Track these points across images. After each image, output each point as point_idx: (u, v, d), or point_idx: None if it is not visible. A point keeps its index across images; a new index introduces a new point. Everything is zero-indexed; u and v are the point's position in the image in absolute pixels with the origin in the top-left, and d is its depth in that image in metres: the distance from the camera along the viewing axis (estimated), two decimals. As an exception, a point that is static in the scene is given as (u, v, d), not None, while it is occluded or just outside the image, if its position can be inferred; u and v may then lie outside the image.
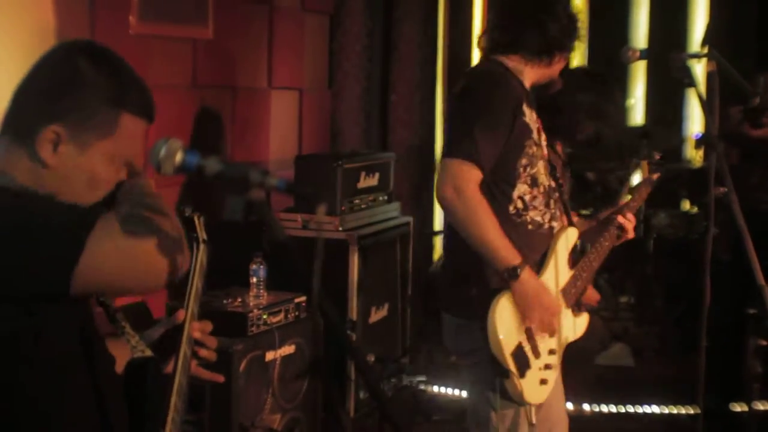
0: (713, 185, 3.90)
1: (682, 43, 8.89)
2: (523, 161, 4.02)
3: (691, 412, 6.80)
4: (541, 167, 4.11)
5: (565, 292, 4.19)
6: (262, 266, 5.19)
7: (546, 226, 4.14)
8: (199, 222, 2.63)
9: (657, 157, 4.76)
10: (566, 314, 4.19)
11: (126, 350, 2.64)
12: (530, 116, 4.08)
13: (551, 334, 4.03)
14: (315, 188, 5.89)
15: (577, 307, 4.26)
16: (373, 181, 6.47)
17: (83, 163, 2.38)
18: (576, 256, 4.33)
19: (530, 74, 4.18)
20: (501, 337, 3.84)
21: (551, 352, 4.06)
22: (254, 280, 5.19)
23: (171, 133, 2.18)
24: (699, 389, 4.09)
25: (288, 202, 6.00)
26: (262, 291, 5.20)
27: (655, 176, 4.77)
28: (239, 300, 5.13)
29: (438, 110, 8.37)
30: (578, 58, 9.31)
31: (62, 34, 4.74)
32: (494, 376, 3.90)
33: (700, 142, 4.19)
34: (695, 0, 9.16)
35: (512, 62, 4.14)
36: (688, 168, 5.83)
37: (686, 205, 8.10)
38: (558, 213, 4.22)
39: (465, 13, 8.64)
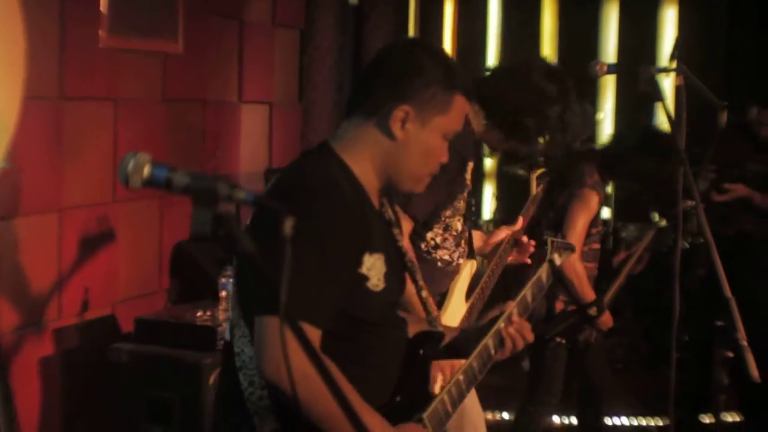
0: (681, 198, 3.92)
1: (652, 57, 8.92)
2: (448, 212, 4.16)
3: (661, 423, 6.84)
4: (456, 218, 4.23)
5: (461, 324, 4.30)
6: (231, 280, 5.18)
7: (454, 263, 4.27)
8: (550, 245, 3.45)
9: (540, 169, 4.79)
10: None
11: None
12: (470, 170, 4.20)
13: None
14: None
15: None
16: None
17: (423, 137, 2.82)
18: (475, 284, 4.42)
19: (480, 127, 4.21)
20: None
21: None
22: (224, 293, 5.19)
23: (141, 147, 2.19)
24: (670, 401, 4.11)
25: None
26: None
27: (540, 189, 4.81)
28: (208, 314, 5.14)
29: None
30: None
31: (32, 48, 4.72)
32: None
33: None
34: (665, 15, 9.21)
35: (472, 109, 4.16)
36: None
37: (656, 217, 8.13)
38: (467, 251, 4.35)
39: (435, 27, 8.68)
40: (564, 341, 5.49)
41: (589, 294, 5.36)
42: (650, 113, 8.49)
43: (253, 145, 6.84)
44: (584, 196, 5.35)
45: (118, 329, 5.52)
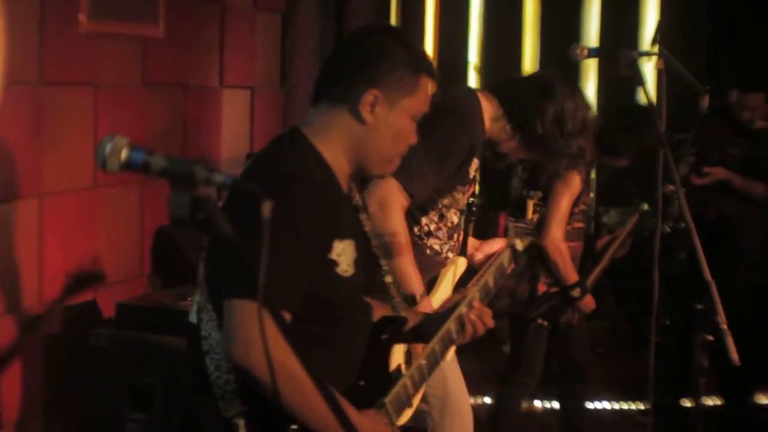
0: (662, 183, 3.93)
1: (634, 41, 8.92)
2: (446, 201, 4.19)
3: (642, 407, 6.86)
4: (453, 210, 4.23)
5: None
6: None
7: (443, 255, 4.27)
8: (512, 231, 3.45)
9: (537, 198, 4.80)
10: None
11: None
12: (474, 165, 4.21)
13: None
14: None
15: None
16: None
17: (392, 120, 2.88)
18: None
19: (495, 132, 4.22)
20: None
21: None
22: (205, 278, 5.17)
23: (122, 132, 2.17)
24: (649, 385, 4.12)
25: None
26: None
27: (536, 217, 4.81)
28: (189, 299, 5.12)
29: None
30: (530, 57, 9.36)
31: (11, 33, 4.70)
32: None
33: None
34: (647, -1, 9.21)
35: (494, 111, 4.17)
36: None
37: (638, 201, 8.14)
38: (457, 246, 4.32)
39: (417, 10, 8.66)
40: (545, 323, 5.50)
41: (572, 275, 5.37)
42: (632, 97, 8.51)
43: (234, 130, 6.82)
44: (567, 177, 5.36)
45: (100, 314, 5.51)
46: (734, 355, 3.35)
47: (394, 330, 3.03)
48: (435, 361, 3.12)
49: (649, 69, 4.55)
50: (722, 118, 6.27)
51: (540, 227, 5.06)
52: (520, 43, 9.32)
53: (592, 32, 9.17)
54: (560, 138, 4.25)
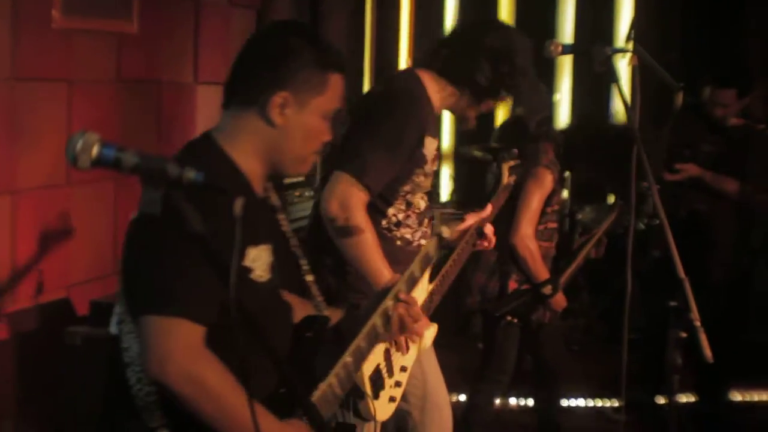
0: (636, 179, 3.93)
1: (609, 38, 8.94)
2: (407, 188, 4.13)
3: (616, 404, 6.88)
4: (419, 195, 4.18)
5: (422, 307, 4.22)
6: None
7: (415, 243, 4.24)
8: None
9: (514, 159, 4.79)
10: None
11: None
12: (429, 146, 4.13)
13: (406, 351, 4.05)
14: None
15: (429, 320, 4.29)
16: (299, 176, 6.45)
17: (303, 120, 2.83)
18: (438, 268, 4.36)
19: (446, 101, 4.19)
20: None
21: (403, 369, 4.08)
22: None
23: (96, 128, 2.16)
24: (621, 382, 4.13)
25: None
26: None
27: (512, 179, 4.81)
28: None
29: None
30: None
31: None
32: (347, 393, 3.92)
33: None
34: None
35: (436, 84, 4.15)
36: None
37: (612, 199, 8.16)
38: (429, 233, 4.28)
39: (392, 8, 8.66)
40: (515, 320, 5.51)
41: (542, 273, 5.38)
42: (607, 94, 8.54)
43: (208, 127, 6.75)
44: (538, 175, 5.37)
45: (73, 312, 5.49)
46: (707, 352, 3.36)
47: (317, 329, 3.00)
48: (361, 357, 3.09)
49: (623, 66, 4.55)
50: (695, 115, 6.28)
51: (514, 192, 5.05)
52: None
53: (566, 29, 9.18)
54: (507, 76, 4.20)
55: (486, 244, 4.54)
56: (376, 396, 3.93)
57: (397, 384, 4.07)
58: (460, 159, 8.85)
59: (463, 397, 6.29)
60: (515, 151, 4.79)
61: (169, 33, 6.37)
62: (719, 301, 6.08)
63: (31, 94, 5.16)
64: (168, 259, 2.56)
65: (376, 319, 3.14)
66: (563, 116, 9.01)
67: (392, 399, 4.07)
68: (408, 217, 4.16)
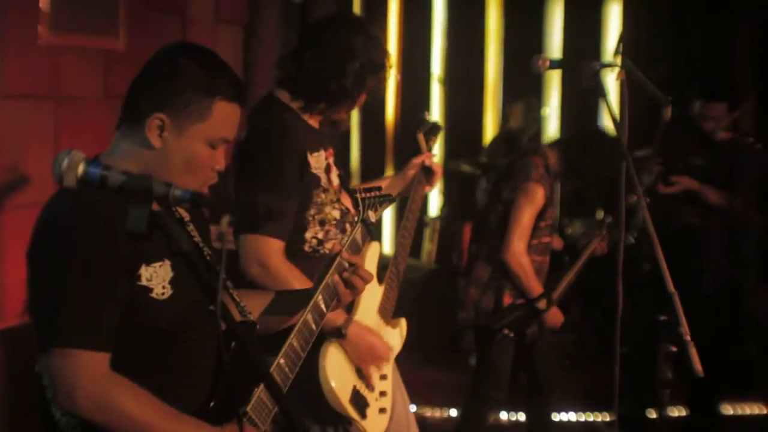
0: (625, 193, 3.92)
1: (597, 52, 8.97)
2: (312, 211, 3.95)
3: (608, 419, 6.87)
4: (327, 209, 4.02)
5: (381, 310, 4.19)
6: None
7: None
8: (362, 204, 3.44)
9: (425, 131, 4.71)
10: (387, 331, 4.19)
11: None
12: (317, 161, 3.99)
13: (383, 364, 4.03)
14: (222, 199, 5.85)
15: (392, 318, 4.25)
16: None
17: (182, 146, 2.71)
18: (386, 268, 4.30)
19: (311, 111, 4.06)
20: (333, 385, 3.78)
21: (383, 377, 4.06)
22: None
23: (83, 146, 2.15)
24: (614, 396, 4.11)
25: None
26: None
27: (433, 143, 4.73)
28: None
29: (353, 119, 8.36)
30: (493, 68, 9.37)
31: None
32: (335, 420, 3.89)
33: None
34: (609, 10, 9.25)
35: (296, 101, 4.04)
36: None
37: (601, 213, 8.17)
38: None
39: (379, 24, 8.65)
40: (511, 334, 5.49)
41: (535, 287, 5.36)
42: (595, 109, 8.54)
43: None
44: (529, 190, 5.35)
45: None
46: (698, 366, 3.35)
47: (242, 336, 2.93)
48: (297, 357, 3.03)
49: (611, 80, 4.54)
50: (685, 129, 6.28)
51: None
52: (482, 55, 9.34)
53: (554, 43, 9.20)
54: (359, 76, 4.08)
55: (431, 181, 4.50)
56: (363, 416, 3.90)
57: (382, 394, 4.04)
58: (449, 173, 8.85)
59: (454, 413, 6.27)
60: (427, 122, 4.69)
61: (155, 49, 6.32)
62: (710, 315, 6.08)
63: (18, 111, 5.14)
64: (65, 288, 2.53)
65: (308, 316, 3.08)
66: (552, 130, 9.02)
67: (382, 410, 4.04)
68: (327, 232, 3.99)
